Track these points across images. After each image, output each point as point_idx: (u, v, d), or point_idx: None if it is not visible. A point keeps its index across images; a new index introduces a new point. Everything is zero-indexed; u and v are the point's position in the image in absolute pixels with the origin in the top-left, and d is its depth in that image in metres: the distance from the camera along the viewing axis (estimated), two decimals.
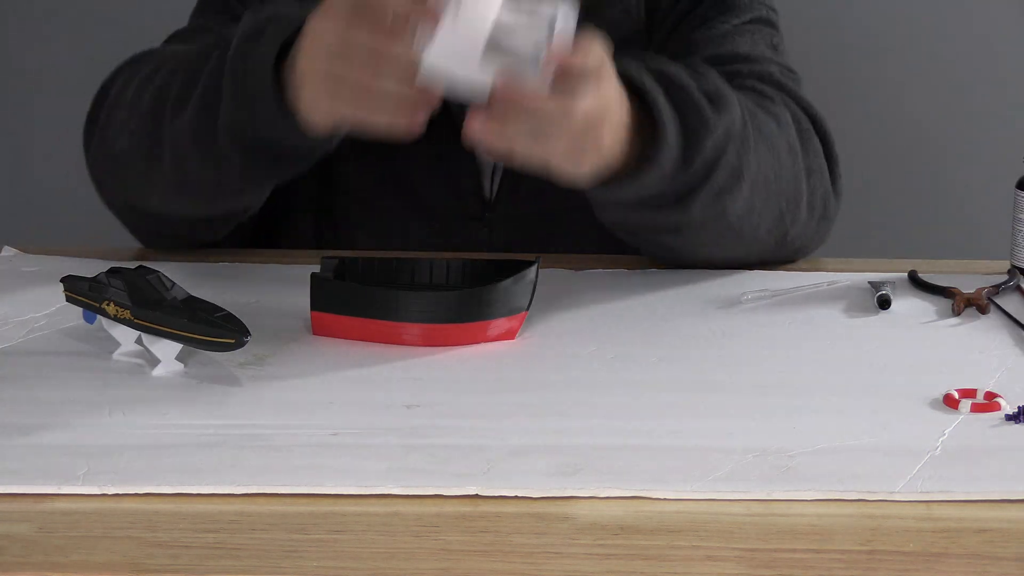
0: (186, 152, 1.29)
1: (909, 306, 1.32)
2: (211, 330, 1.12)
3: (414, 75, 1.11)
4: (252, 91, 1.24)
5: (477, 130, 1.13)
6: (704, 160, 1.25)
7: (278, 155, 1.28)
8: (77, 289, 1.21)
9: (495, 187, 1.51)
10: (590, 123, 1.16)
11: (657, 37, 1.53)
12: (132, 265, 1.22)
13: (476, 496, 0.96)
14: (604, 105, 1.16)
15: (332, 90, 1.16)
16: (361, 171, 1.49)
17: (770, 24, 1.54)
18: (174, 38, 1.55)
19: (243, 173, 1.30)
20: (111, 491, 0.96)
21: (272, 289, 1.32)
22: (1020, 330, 1.25)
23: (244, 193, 1.36)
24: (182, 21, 1.75)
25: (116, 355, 1.19)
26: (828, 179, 1.40)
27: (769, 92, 1.39)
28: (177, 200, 1.38)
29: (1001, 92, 2.33)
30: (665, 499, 0.95)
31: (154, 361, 1.16)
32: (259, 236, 1.53)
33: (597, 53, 1.15)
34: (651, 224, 1.30)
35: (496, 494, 0.96)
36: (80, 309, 1.22)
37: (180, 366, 1.16)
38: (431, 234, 1.50)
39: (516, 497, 0.95)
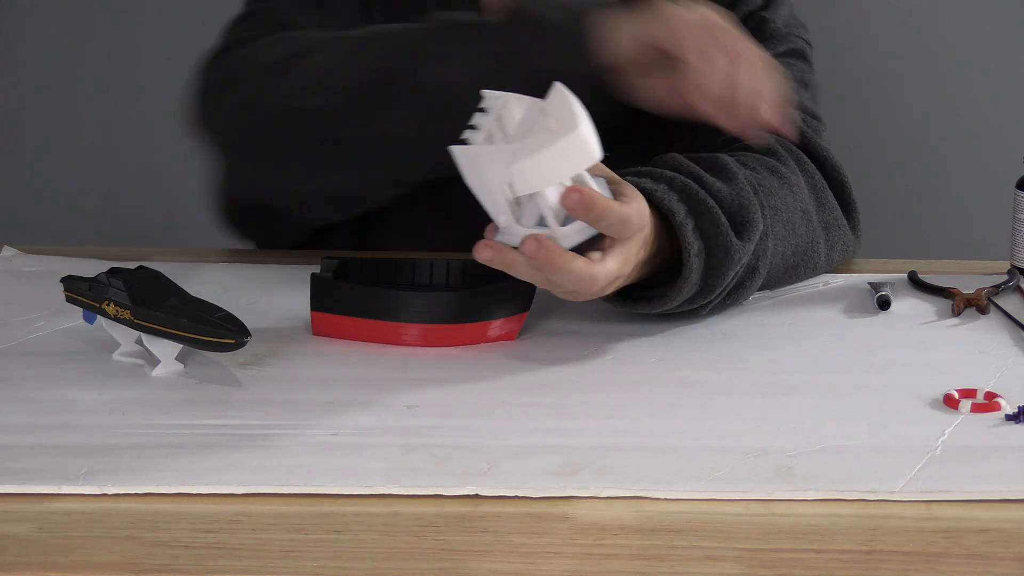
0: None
1: (909, 306, 1.32)
2: (211, 330, 1.12)
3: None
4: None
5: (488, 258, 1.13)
6: (724, 284, 1.23)
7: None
8: (77, 289, 1.21)
9: None
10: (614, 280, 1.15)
11: None
12: (132, 265, 1.22)
13: (476, 496, 0.96)
14: (628, 262, 1.15)
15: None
16: None
17: (803, 58, 1.54)
18: (245, 19, 1.50)
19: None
20: (111, 491, 0.96)
21: (272, 289, 1.32)
22: (1020, 330, 1.25)
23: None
24: (183, 23, 1.75)
25: (116, 355, 1.19)
26: (847, 227, 1.40)
27: (778, 149, 1.37)
28: (335, 164, 1.38)
29: (1001, 92, 2.33)
30: (665, 499, 0.95)
31: (154, 361, 1.16)
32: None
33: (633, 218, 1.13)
34: (661, 317, 1.28)
35: (496, 494, 0.96)
36: (80, 309, 1.22)
37: (180, 366, 1.16)
38: (465, 240, 1.50)
39: (516, 497, 0.95)
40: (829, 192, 1.38)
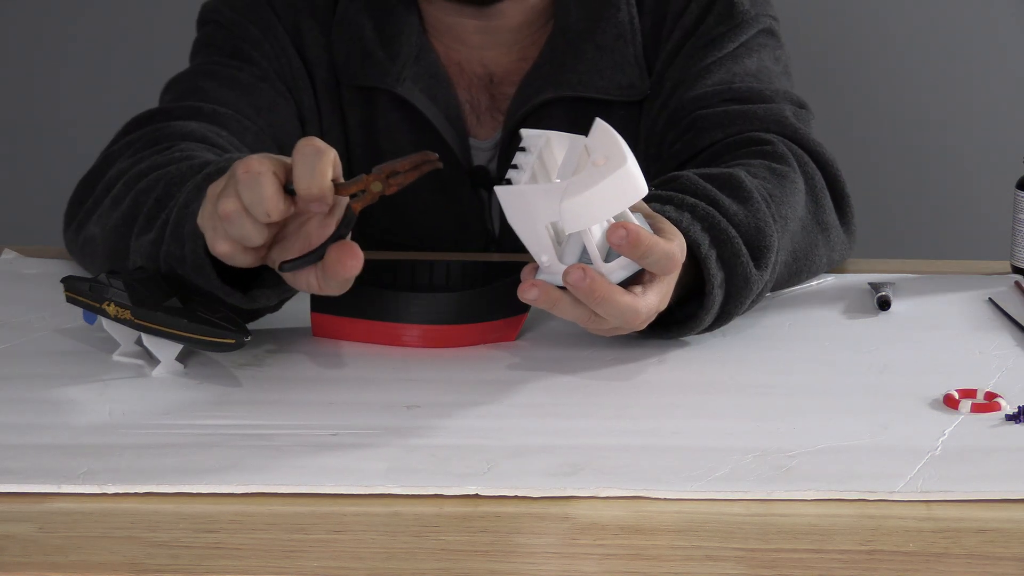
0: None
1: (909, 307, 1.32)
2: (211, 330, 1.12)
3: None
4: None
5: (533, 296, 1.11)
6: (741, 311, 1.23)
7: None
8: (77, 289, 1.21)
9: (498, 223, 1.53)
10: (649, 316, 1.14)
11: (664, 51, 1.52)
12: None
13: (476, 496, 0.96)
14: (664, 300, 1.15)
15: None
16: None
17: (773, 34, 1.53)
18: (175, 84, 1.52)
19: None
20: (111, 491, 0.96)
21: None
22: (1020, 330, 1.25)
23: None
24: (180, 24, 1.75)
25: (116, 355, 1.19)
26: (840, 227, 1.39)
27: (784, 151, 1.36)
28: None
29: (1001, 92, 2.33)
30: (665, 499, 0.95)
31: (154, 361, 1.16)
32: None
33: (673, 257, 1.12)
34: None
35: (496, 494, 0.96)
36: (80, 309, 1.22)
37: (180, 366, 1.16)
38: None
39: (516, 497, 0.95)
40: (827, 193, 1.38)
